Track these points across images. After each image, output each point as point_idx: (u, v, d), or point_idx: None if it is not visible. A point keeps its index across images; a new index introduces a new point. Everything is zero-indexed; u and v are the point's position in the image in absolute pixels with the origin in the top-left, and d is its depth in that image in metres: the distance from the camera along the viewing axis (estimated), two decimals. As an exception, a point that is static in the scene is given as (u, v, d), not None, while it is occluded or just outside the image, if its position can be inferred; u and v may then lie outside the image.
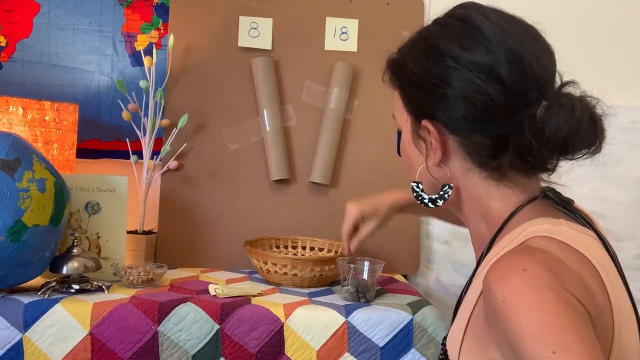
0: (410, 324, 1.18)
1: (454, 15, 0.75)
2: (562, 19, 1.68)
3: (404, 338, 1.17)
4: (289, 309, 1.16)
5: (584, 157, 0.70)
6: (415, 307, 1.21)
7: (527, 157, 0.70)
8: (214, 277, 1.42)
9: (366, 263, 1.26)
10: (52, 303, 1.11)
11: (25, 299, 1.12)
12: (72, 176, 1.31)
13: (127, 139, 1.57)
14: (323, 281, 1.37)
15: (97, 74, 1.65)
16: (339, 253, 1.45)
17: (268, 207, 1.61)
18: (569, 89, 0.70)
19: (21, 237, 1.06)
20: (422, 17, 1.68)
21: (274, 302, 1.19)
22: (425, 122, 0.75)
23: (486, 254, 0.74)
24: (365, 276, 1.24)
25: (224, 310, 1.15)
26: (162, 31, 1.65)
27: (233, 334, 1.14)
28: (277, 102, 1.61)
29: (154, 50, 1.60)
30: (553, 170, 0.73)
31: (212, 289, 1.26)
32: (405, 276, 1.61)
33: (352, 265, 1.24)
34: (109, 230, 1.31)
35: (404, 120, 0.80)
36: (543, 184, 0.76)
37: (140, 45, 1.64)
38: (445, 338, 0.79)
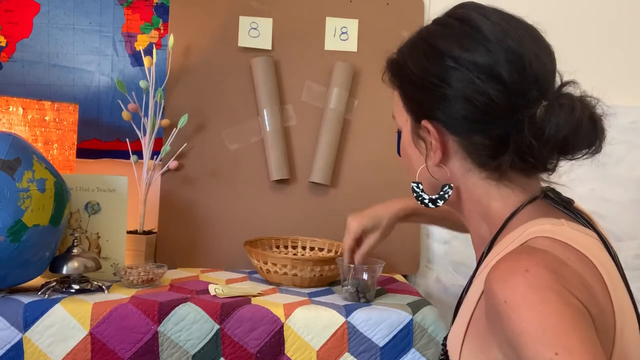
0: (410, 324, 1.18)
1: (453, 15, 0.75)
2: (562, 19, 1.68)
3: (404, 338, 1.17)
4: (289, 309, 1.16)
5: (584, 157, 0.70)
6: (415, 307, 1.21)
7: (527, 157, 0.70)
8: (214, 277, 1.42)
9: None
10: (52, 303, 1.11)
11: (25, 299, 1.12)
12: (72, 176, 1.31)
13: (127, 139, 1.57)
14: (323, 281, 1.37)
15: (97, 74, 1.65)
16: (339, 253, 1.45)
17: (268, 207, 1.61)
18: (569, 89, 0.70)
19: (21, 237, 1.06)
20: (422, 17, 1.68)
21: (274, 302, 1.19)
22: (425, 122, 0.75)
23: (487, 254, 0.74)
24: (365, 276, 1.24)
25: (224, 310, 1.15)
26: (162, 31, 1.65)
27: (233, 334, 1.14)
28: (277, 102, 1.61)
29: (154, 50, 1.60)
30: (553, 170, 0.73)
31: (212, 289, 1.26)
32: (405, 276, 1.61)
33: (352, 266, 1.24)
34: (109, 230, 1.31)
35: (404, 120, 0.80)
36: (543, 184, 0.76)
37: (140, 45, 1.64)
38: (445, 338, 0.79)
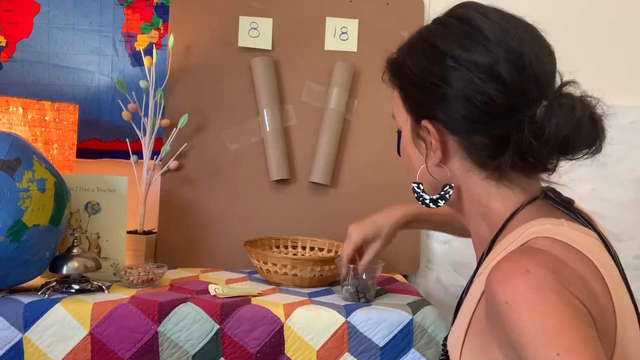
0: (410, 324, 1.18)
1: (453, 15, 0.75)
2: (562, 19, 1.68)
3: (404, 338, 1.17)
4: (289, 309, 1.16)
5: (584, 157, 0.70)
6: (415, 307, 1.21)
7: (527, 157, 0.69)
8: (214, 277, 1.42)
9: None
10: (52, 303, 1.11)
11: (25, 299, 1.12)
12: (72, 176, 1.31)
13: (127, 139, 1.57)
14: (323, 281, 1.37)
15: (97, 74, 1.65)
16: (338, 253, 1.45)
17: (268, 207, 1.61)
18: (569, 89, 0.70)
19: (21, 237, 1.06)
20: (422, 17, 1.68)
21: (274, 302, 1.19)
22: (425, 122, 0.75)
23: (487, 254, 0.74)
24: (364, 276, 1.24)
25: (224, 310, 1.15)
26: (162, 31, 1.65)
27: (233, 334, 1.14)
28: (277, 102, 1.61)
29: (154, 50, 1.60)
30: (553, 170, 0.73)
31: (212, 289, 1.26)
32: (405, 276, 1.61)
33: (351, 266, 1.24)
34: (109, 230, 1.31)
35: (404, 120, 0.80)
36: (543, 184, 0.76)
37: (140, 45, 1.64)
38: (446, 338, 0.79)
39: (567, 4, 1.74)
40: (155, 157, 1.54)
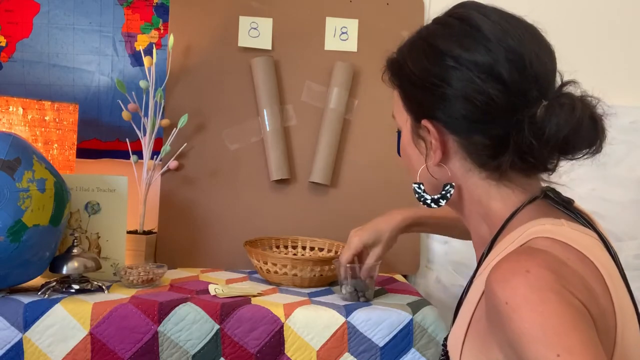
0: (410, 324, 1.18)
1: (453, 15, 0.75)
2: (562, 19, 1.68)
3: (404, 338, 1.17)
4: (289, 309, 1.16)
5: (585, 157, 0.70)
6: (415, 307, 1.21)
7: (527, 157, 0.69)
8: (214, 277, 1.42)
9: None
10: (52, 303, 1.11)
11: (25, 299, 1.11)
12: (72, 176, 1.31)
13: (127, 139, 1.57)
14: (323, 281, 1.37)
15: (97, 74, 1.65)
16: (338, 253, 1.45)
17: (268, 207, 1.61)
18: (569, 89, 0.70)
19: (21, 237, 1.06)
20: (422, 17, 1.68)
21: (274, 302, 1.19)
22: (425, 122, 0.75)
23: (487, 254, 0.74)
24: (363, 275, 1.24)
25: (224, 310, 1.15)
26: (162, 31, 1.65)
27: (233, 334, 1.14)
28: (277, 102, 1.61)
29: (154, 50, 1.60)
30: (553, 170, 0.73)
31: (212, 289, 1.26)
32: (405, 276, 1.61)
33: (349, 265, 1.24)
34: (109, 230, 1.31)
35: (404, 120, 0.80)
36: (543, 184, 0.76)
37: (140, 45, 1.64)
38: (446, 339, 0.79)
39: (567, 4, 1.74)
40: (155, 157, 1.54)
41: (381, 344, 1.16)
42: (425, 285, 1.72)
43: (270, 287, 1.34)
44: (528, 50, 0.70)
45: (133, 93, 1.52)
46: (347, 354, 1.15)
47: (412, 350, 1.17)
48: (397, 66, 0.79)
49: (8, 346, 1.09)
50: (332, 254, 1.50)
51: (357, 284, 1.24)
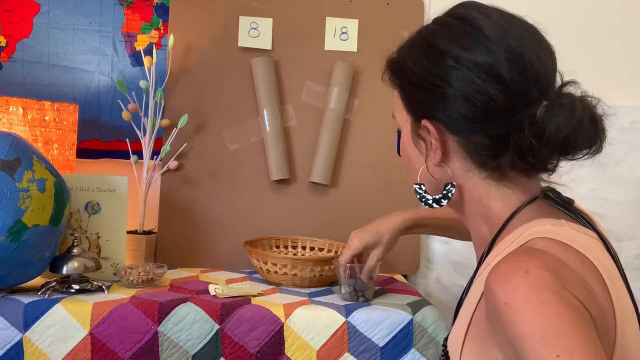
0: (410, 324, 1.18)
1: (453, 15, 0.75)
2: (562, 19, 1.68)
3: (404, 338, 1.17)
4: (289, 309, 1.16)
5: (585, 157, 0.70)
6: (415, 307, 1.21)
7: (527, 157, 0.69)
8: (214, 277, 1.42)
9: None
10: (52, 303, 1.11)
11: (25, 299, 1.11)
12: (72, 176, 1.31)
13: (127, 139, 1.57)
14: (323, 281, 1.37)
15: (97, 74, 1.65)
16: (338, 253, 1.45)
17: (268, 207, 1.61)
18: (569, 89, 0.70)
19: (21, 237, 1.06)
20: (422, 17, 1.68)
21: (274, 302, 1.19)
22: (425, 122, 0.75)
23: (487, 254, 0.74)
24: (362, 275, 1.24)
25: (224, 310, 1.15)
26: (162, 31, 1.65)
27: (233, 334, 1.14)
28: (277, 102, 1.61)
29: (154, 50, 1.60)
30: (553, 170, 0.73)
31: (212, 289, 1.26)
32: (405, 276, 1.61)
33: (349, 265, 1.24)
34: (109, 230, 1.31)
35: (404, 120, 0.80)
36: (543, 184, 0.76)
37: (140, 45, 1.64)
38: (446, 339, 0.79)
39: (567, 4, 1.74)
40: (155, 157, 1.54)
41: (381, 344, 1.16)
42: (425, 285, 1.72)
43: (270, 287, 1.34)
44: (528, 51, 0.70)
45: (133, 93, 1.52)
46: (347, 354, 1.15)
47: (412, 350, 1.17)
48: (397, 66, 0.79)
49: (8, 346, 1.09)
50: (332, 254, 1.50)
51: (357, 284, 1.24)
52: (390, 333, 1.17)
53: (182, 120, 1.52)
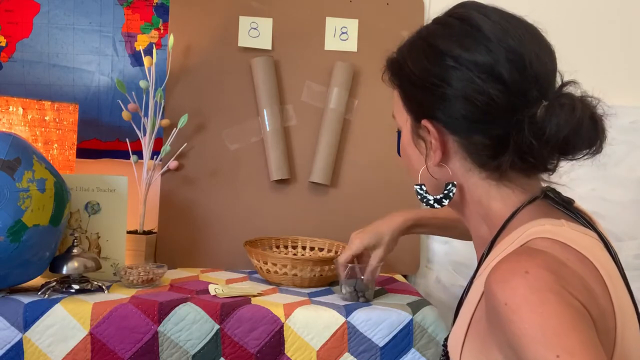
0: (410, 324, 1.18)
1: (453, 15, 0.75)
2: (562, 19, 1.68)
3: (404, 338, 1.17)
4: (289, 309, 1.16)
5: (585, 157, 0.70)
6: (415, 307, 1.21)
7: (527, 157, 0.69)
8: (214, 277, 1.42)
9: None
10: (52, 303, 1.11)
11: (25, 299, 1.11)
12: (72, 176, 1.31)
13: (127, 139, 1.57)
14: (323, 281, 1.37)
15: (97, 74, 1.65)
16: (338, 253, 1.45)
17: (268, 207, 1.61)
18: (569, 89, 0.70)
19: (21, 237, 1.06)
20: (422, 17, 1.68)
21: (274, 302, 1.19)
22: (425, 122, 0.75)
23: (487, 254, 0.74)
24: (362, 275, 1.24)
25: (224, 310, 1.15)
26: (162, 31, 1.65)
27: (233, 334, 1.14)
28: (277, 102, 1.61)
29: (154, 50, 1.60)
30: (553, 170, 0.73)
31: (212, 289, 1.26)
32: (405, 276, 1.61)
33: (350, 265, 1.24)
34: (109, 230, 1.31)
35: (404, 120, 0.80)
36: (543, 184, 0.76)
37: (140, 45, 1.64)
38: (446, 339, 0.79)
39: (567, 4, 1.74)
40: (155, 157, 1.54)
41: (381, 344, 1.16)
42: (425, 285, 1.72)
43: (270, 287, 1.34)
44: (528, 50, 0.70)
45: (133, 93, 1.52)
46: (347, 354, 1.15)
47: (412, 350, 1.17)
48: (397, 66, 0.79)
49: (8, 346, 1.09)
50: (332, 254, 1.50)
51: (357, 284, 1.24)
52: (390, 333, 1.17)
53: (182, 120, 1.52)
